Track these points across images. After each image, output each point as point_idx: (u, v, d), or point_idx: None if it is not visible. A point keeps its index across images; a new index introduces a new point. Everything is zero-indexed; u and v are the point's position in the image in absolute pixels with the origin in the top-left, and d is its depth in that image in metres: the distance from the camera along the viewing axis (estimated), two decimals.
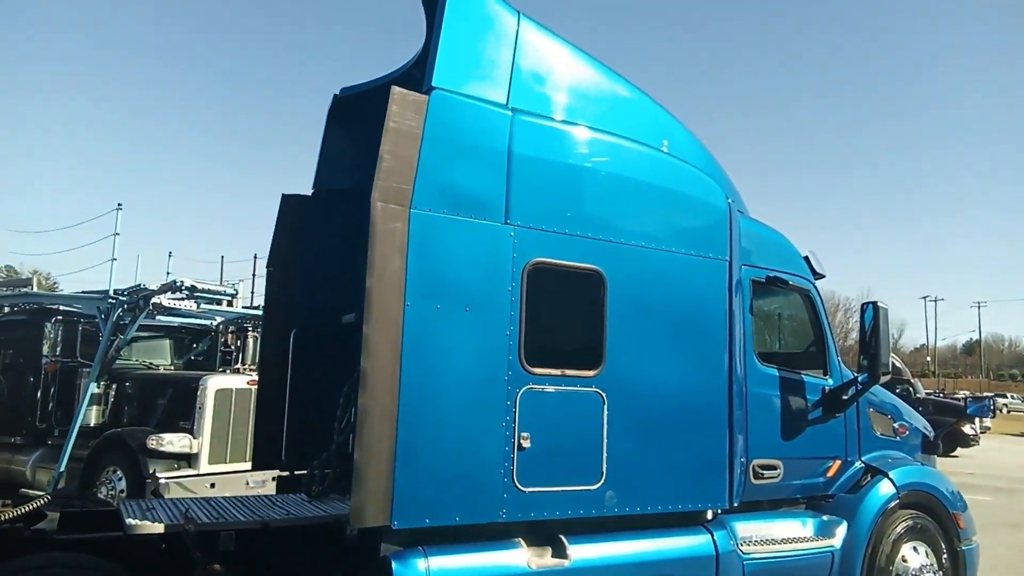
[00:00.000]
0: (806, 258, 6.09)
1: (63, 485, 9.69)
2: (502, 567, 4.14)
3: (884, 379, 5.66)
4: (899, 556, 5.82)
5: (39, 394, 10.56)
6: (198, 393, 9.29)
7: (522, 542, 4.27)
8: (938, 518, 6.16)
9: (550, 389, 4.37)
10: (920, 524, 5.99)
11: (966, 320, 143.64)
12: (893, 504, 5.85)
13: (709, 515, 5.13)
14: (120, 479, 9.07)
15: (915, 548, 5.94)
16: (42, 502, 4.36)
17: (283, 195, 6.04)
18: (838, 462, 5.96)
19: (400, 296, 3.92)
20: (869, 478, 5.98)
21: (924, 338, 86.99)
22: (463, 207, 4.19)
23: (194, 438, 9.09)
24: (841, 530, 5.64)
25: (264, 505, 5.07)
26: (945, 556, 6.10)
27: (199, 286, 9.70)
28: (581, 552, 4.38)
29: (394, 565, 3.79)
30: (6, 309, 11.86)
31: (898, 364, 34.28)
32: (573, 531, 4.48)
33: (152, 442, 8.80)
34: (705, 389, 4.99)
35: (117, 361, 10.18)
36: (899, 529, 5.85)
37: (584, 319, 4.71)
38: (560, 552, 4.35)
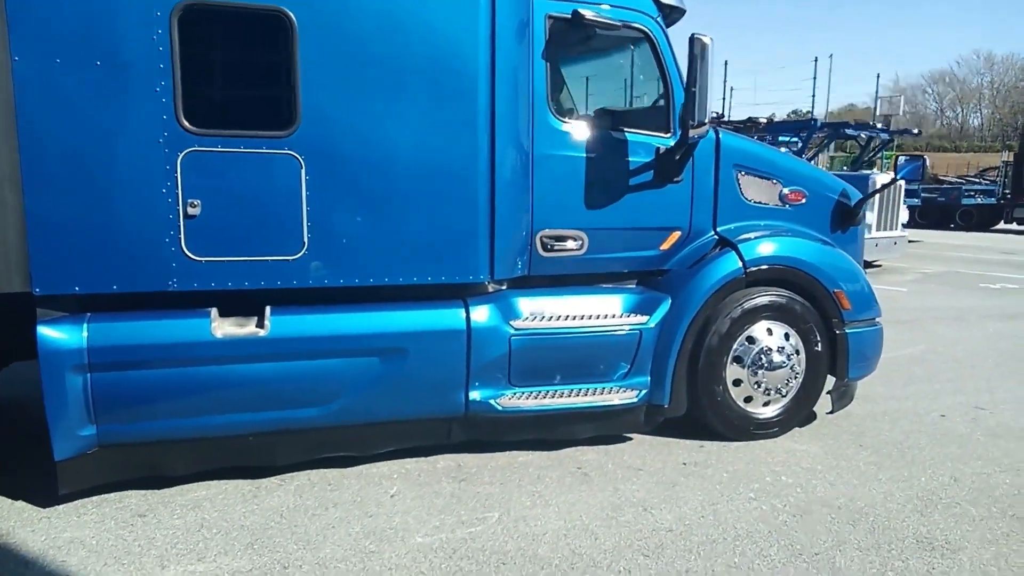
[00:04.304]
0: None
1: None
2: (179, 335, 4.03)
3: (697, 133, 4.62)
4: (742, 336, 5.13)
5: None
6: None
7: (214, 312, 4.13)
8: (812, 297, 5.31)
9: (224, 151, 3.95)
10: (780, 303, 5.20)
11: None
12: (734, 280, 5.04)
13: (490, 288, 4.71)
14: None
15: (769, 329, 5.21)
16: None
17: None
18: (677, 233, 5.15)
19: (3, 50, 3.56)
20: (716, 251, 5.18)
21: None
22: None
23: None
24: (662, 308, 5.01)
25: None
26: (819, 340, 5.33)
27: None
28: (282, 323, 4.18)
29: (39, 329, 3.78)
30: None
31: None
32: (291, 302, 4.27)
33: None
34: (451, 152, 4.32)
35: None
36: (747, 307, 5.10)
37: (268, 72, 4.12)
38: (260, 323, 4.18)
